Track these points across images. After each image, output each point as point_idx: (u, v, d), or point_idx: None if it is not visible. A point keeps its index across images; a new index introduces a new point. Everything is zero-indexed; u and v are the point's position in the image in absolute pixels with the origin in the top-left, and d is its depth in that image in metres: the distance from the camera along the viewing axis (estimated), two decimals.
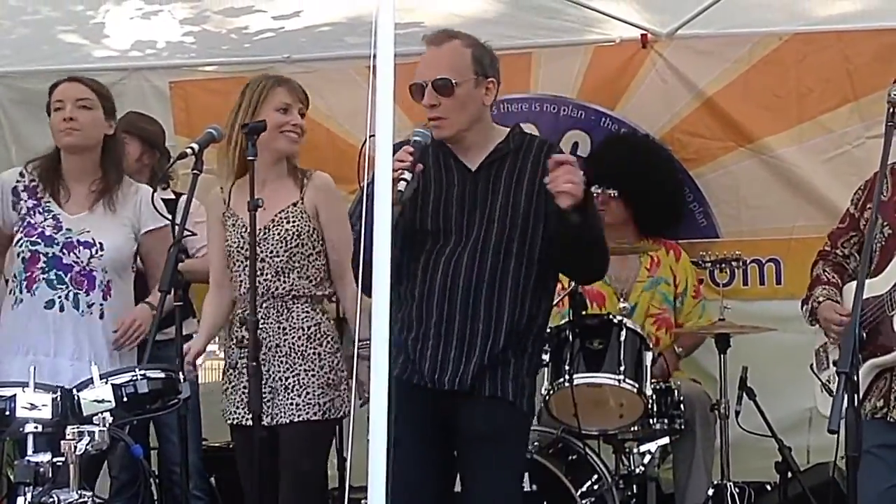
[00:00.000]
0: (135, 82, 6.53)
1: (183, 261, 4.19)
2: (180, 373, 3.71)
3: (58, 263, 4.45)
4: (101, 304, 4.48)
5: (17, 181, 4.60)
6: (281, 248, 4.41)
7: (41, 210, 4.52)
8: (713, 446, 5.38)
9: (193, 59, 6.55)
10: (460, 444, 3.95)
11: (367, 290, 3.62)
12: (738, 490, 5.28)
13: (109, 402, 3.40)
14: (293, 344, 4.40)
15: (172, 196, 5.59)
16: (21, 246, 4.50)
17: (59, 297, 4.44)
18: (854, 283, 3.97)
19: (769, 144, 5.88)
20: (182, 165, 5.92)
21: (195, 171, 4.21)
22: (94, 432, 3.25)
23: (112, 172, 4.57)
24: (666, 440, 5.36)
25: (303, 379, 4.37)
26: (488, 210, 3.92)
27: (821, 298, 4.20)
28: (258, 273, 4.36)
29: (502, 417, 3.89)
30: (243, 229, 4.42)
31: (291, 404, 4.36)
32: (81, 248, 4.46)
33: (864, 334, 3.92)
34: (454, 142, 3.98)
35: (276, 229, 4.42)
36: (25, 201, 4.55)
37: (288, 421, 4.35)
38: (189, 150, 4.20)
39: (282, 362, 4.40)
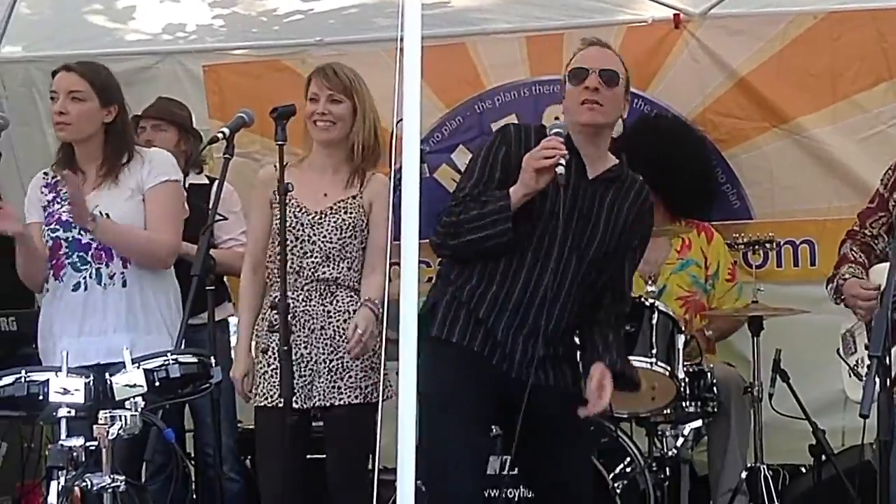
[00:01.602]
0: (168, 66, 6.54)
1: (214, 246, 4.20)
2: (212, 357, 3.70)
3: (78, 245, 4.46)
4: (123, 273, 4.45)
5: (43, 179, 4.62)
6: (335, 235, 4.45)
7: (59, 199, 4.53)
8: (747, 429, 5.36)
9: (224, 42, 6.56)
10: (536, 426, 3.93)
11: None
12: (771, 473, 5.27)
13: (141, 386, 3.40)
14: (338, 327, 4.43)
15: (206, 181, 5.61)
16: (45, 236, 4.52)
17: (85, 277, 4.45)
18: (882, 265, 3.95)
19: (803, 124, 5.82)
20: (216, 150, 6.01)
21: (226, 156, 4.21)
22: (126, 417, 3.26)
23: (116, 157, 4.51)
24: (699, 423, 5.34)
25: (347, 362, 4.39)
26: (592, 223, 4.02)
27: (846, 276, 4.17)
28: (307, 255, 4.44)
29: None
30: (297, 209, 4.46)
31: (334, 388, 4.39)
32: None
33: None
34: (592, 135, 4.04)
35: (334, 217, 4.47)
36: (46, 195, 4.57)
37: (329, 404, 4.37)
38: (220, 135, 4.19)
39: (326, 345, 4.43)
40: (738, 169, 5.96)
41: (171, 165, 4.57)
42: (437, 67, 6.14)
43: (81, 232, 4.44)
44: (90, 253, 4.46)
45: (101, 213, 4.43)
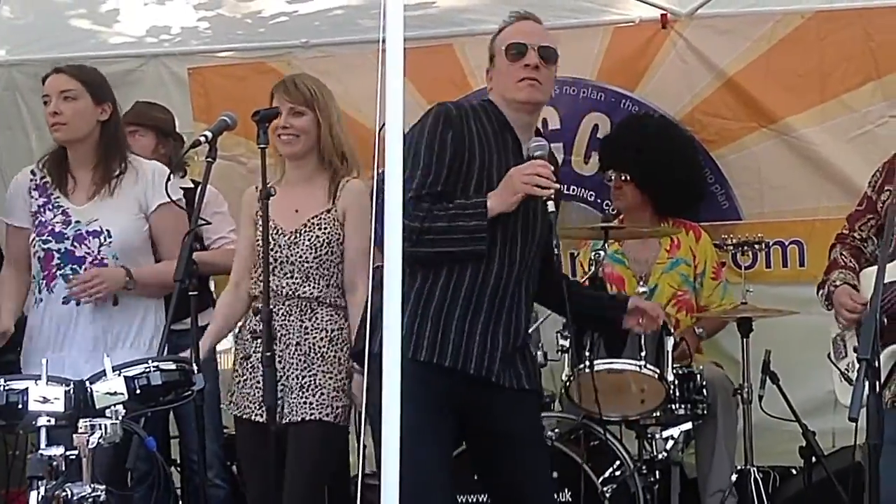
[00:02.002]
0: (153, 69, 6.51)
1: (197, 250, 4.15)
2: (194, 364, 3.66)
3: (71, 258, 4.42)
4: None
5: (30, 180, 4.56)
6: (310, 254, 4.41)
7: (51, 206, 4.48)
8: (736, 431, 5.34)
9: (210, 44, 6.53)
10: (493, 438, 3.92)
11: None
12: (761, 475, 5.24)
13: (122, 394, 3.35)
14: (313, 344, 4.39)
15: (190, 185, 5.56)
16: (35, 246, 4.47)
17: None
18: (872, 269, 3.92)
19: (791, 124, 5.80)
20: (200, 153, 5.97)
21: (209, 160, 4.16)
22: (106, 425, 3.22)
23: (111, 158, 4.48)
24: (689, 425, 5.31)
25: (319, 379, 4.36)
26: (533, 206, 3.86)
27: (837, 282, 4.14)
28: (286, 276, 4.41)
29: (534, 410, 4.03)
30: (274, 230, 4.41)
31: (305, 403, 4.34)
32: (91, 238, 4.42)
33: (885, 320, 3.85)
34: (527, 112, 3.95)
35: (308, 234, 4.43)
36: (36, 199, 4.51)
37: (300, 419, 4.33)
38: (202, 138, 4.13)
39: (300, 360, 4.39)
40: (726, 169, 5.93)
41: (174, 183, 4.49)
42: (424, 69, 6.12)
43: (75, 244, 4.41)
44: (84, 267, 4.42)
45: (101, 227, 4.41)
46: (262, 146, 4.10)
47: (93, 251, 4.41)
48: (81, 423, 3.22)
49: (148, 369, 3.46)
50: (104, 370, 3.40)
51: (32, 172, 4.57)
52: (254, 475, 4.46)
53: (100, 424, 3.21)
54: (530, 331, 4.25)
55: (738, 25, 5.84)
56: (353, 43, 6.18)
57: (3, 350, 5.41)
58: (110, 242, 4.42)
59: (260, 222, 4.40)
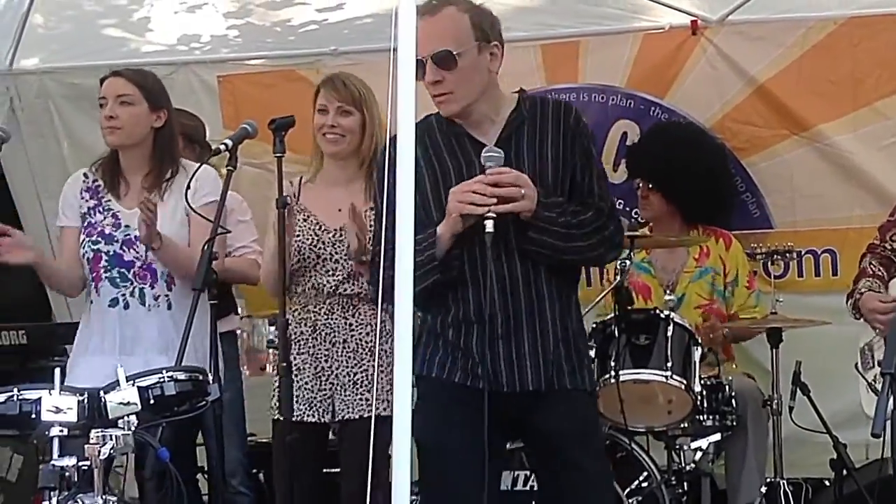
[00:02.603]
0: (183, 77, 6.51)
1: (217, 258, 4.14)
2: (209, 374, 3.64)
3: (119, 261, 4.40)
4: (167, 295, 4.39)
5: (83, 182, 4.55)
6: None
7: (101, 209, 4.47)
8: (766, 443, 5.26)
9: (239, 52, 6.54)
10: (542, 441, 3.82)
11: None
12: (792, 488, 5.17)
13: (135, 404, 3.34)
14: (360, 340, 4.39)
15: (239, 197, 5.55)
16: (85, 247, 4.45)
17: (124, 294, 4.39)
18: None
19: (823, 132, 5.72)
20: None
21: (229, 168, 4.15)
22: (117, 436, 3.21)
23: (164, 165, 4.46)
24: (717, 436, 5.25)
25: (371, 375, 4.33)
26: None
27: (863, 290, 4.08)
28: (328, 273, 4.41)
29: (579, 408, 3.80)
30: (317, 226, 4.44)
31: (361, 399, 4.33)
32: (140, 243, 4.37)
33: None
34: (464, 117, 3.71)
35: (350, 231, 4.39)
36: (87, 201, 4.50)
37: (357, 416, 4.32)
38: (223, 147, 4.11)
39: (349, 358, 4.39)
40: (757, 177, 5.87)
41: (218, 183, 4.40)
42: None
43: (124, 247, 4.40)
44: (132, 271, 4.40)
45: None
46: (277, 155, 4.08)
47: (142, 256, 4.39)
48: (93, 433, 3.21)
49: (162, 379, 3.45)
50: (118, 380, 3.39)
51: (85, 175, 4.55)
52: (280, 477, 4.42)
53: (112, 435, 3.21)
54: None
55: (769, 32, 5.77)
56: (381, 51, 6.05)
57: (28, 357, 5.52)
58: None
59: (299, 216, 4.44)
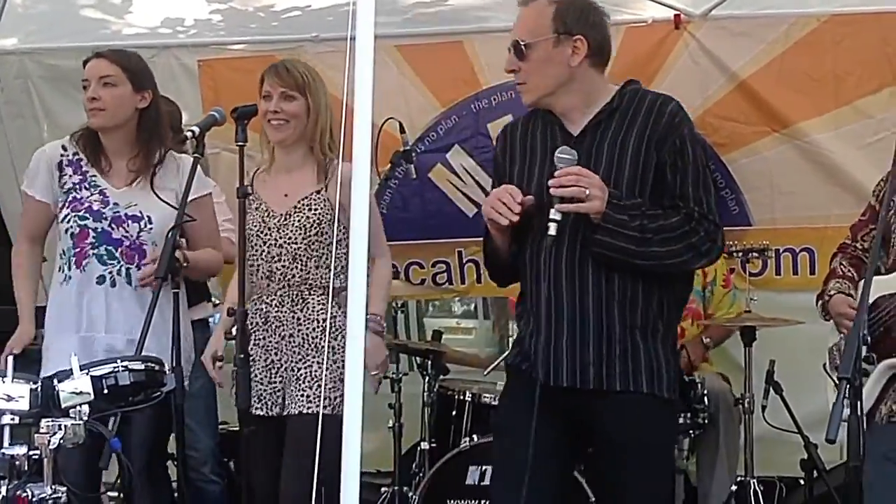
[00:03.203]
0: (164, 60, 6.43)
1: (181, 246, 4.10)
2: (165, 365, 3.60)
3: (107, 238, 4.36)
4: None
5: (61, 155, 4.48)
6: (299, 235, 4.35)
7: (87, 185, 4.42)
8: (737, 442, 5.26)
9: (222, 37, 6.48)
10: (597, 444, 3.77)
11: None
12: (762, 487, 5.16)
13: (88, 393, 3.29)
14: (307, 335, 4.33)
15: (213, 183, 5.50)
16: (69, 222, 4.39)
17: (111, 272, 4.35)
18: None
19: (804, 130, 5.68)
20: (210, 146, 5.93)
21: (196, 155, 4.12)
22: (68, 426, 3.17)
23: (150, 146, 4.42)
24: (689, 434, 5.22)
25: (315, 371, 4.29)
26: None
27: (832, 292, 4.03)
28: (275, 259, 4.36)
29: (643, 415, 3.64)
30: (265, 213, 4.40)
31: (302, 395, 4.28)
32: (130, 222, 4.36)
33: (878, 332, 3.74)
34: (548, 108, 3.72)
35: (297, 216, 4.37)
36: (70, 176, 4.44)
37: (298, 412, 4.28)
38: (189, 134, 4.09)
39: (295, 352, 4.34)
40: (737, 174, 5.82)
41: (204, 177, 4.46)
42: (434, 66, 6.09)
43: (112, 225, 4.36)
44: (119, 250, 4.36)
45: (141, 213, 4.36)
46: (239, 143, 4.05)
47: (131, 235, 4.35)
48: (43, 422, 3.17)
49: (116, 369, 3.38)
50: (71, 368, 3.35)
51: (64, 147, 4.49)
52: (256, 468, 4.39)
53: (62, 424, 3.17)
54: None
55: (752, 27, 5.72)
56: None
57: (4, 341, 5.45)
58: (150, 229, 4.35)
59: (252, 205, 4.38)
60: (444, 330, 10.63)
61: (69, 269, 4.40)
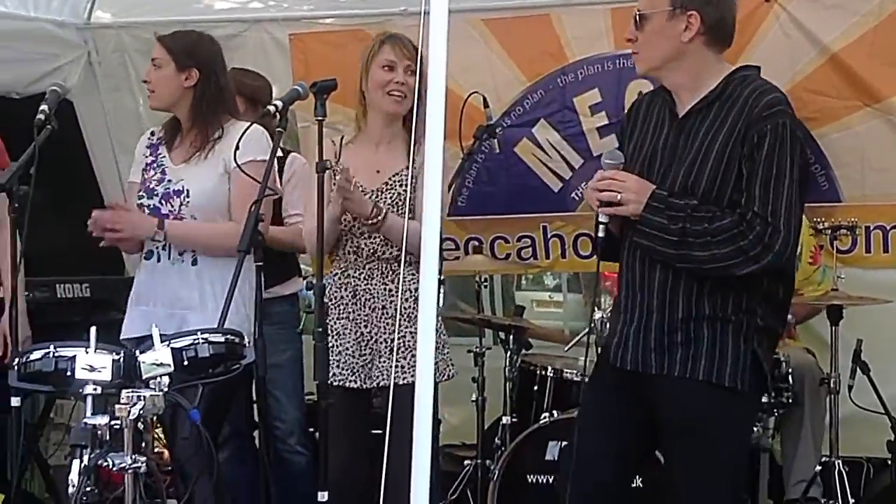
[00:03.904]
0: (255, 34, 6.51)
1: (263, 220, 4.15)
2: (245, 337, 3.66)
3: (157, 214, 4.46)
4: (193, 252, 4.43)
5: (149, 139, 4.65)
6: (392, 212, 4.36)
7: (155, 165, 4.55)
8: (823, 421, 5.19)
9: (313, 11, 6.53)
10: (662, 431, 3.77)
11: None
12: (847, 468, 5.09)
13: (168, 365, 3.38)
14: (399, 306, 4.35)
15: (280, 154, 5.56)
16: (137, 202, 4.55)
17: (157, 247, 4.46)
18: None
19: None
20: (301, 120, 5.98)
21: (279, 129, 4.15)
22: (147, 396, 3.24)
23: (205, 123, 4.49)
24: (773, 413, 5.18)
25: (408, 341, 4.32)
26: (677, 166, 3.62)
27: None
28: (363, 236, 4.41)
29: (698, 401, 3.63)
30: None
31: (397, 366, 4.31)
32: (174, 196, 4.45)
33: None
34: (660, 80, 3.78)
35: (389, 193, 4.40)
36: (147, 157, 4.59)
37: (394, 383, 4.31)
38: (272, 108, 4.12)
39: (387, 324, 4.37)
40: (827, 149, 5.67)
41: (263, 143, 4.41)
42: (521, 39, 6.04)
43: (162, 201, 4.46)
44: None
45: (183, 187, 4.44)
46: (319, 118, 4.07)
47: (175, 209, 4.44)
48: (124, 393, 3.26)
49: (196, 341, 3.49)
50: (152, 340, 3.43)
51: (152, 133, 4.66)
52: (338, 441, 4.44)
53: (142, 395, 3.25)
54: None
55: (844, 0, 5.58)
56: (451, 12, 6.08)
57: (93, 310, 5.59)
58: (188, 202, 4.43)
59: (333, 182, 4.39)
60: (536, 303, 10.67)
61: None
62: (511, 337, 5.72)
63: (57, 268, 5.77)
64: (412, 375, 4.24)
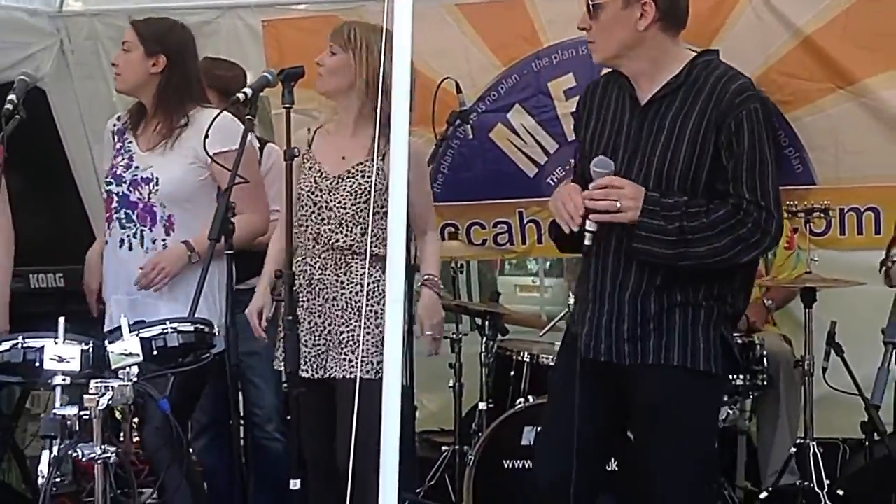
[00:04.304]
0: (229, 21, 6.48)
1: (234, 206, 4.12)
2: (214, 327, 3.66)
3: (126, 202, 4.45)
4: (164, 240, 4.42)
5: (114, 125, 4.64)
6: (349, 200, 4.34)
7: (122, 150, 4.53)
8: (798, 403, 5.21)
9: None
10: (635, 416, 3.79)
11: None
12: (822, 450, 5.11)
13: (137, 355, 3.37)
14: (350, 299, 4.34)
15: (257, 144, 5.53)
16: (104, 188, 4.54)
17: (128, 235, 4.45)
18: None
19: (870, 86, 5.50)
20: (275, 107, 5.96)
21: (249, 117, 4.14)
22: (116, 386, 3.24)
23: (170, 110, 4.47)
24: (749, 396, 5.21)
25: (357, 336, 4.29)
26: (647, 155, 3.60)
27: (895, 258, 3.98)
28: (323, 222, 4.35)
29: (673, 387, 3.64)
30: (318, 174, 4.40)
31: (345, 360, 4.31)
32: (143, 184, 4.43)
33: None
34: (618, 69, 3.73)
35: (350, 181, 4.37)
36: (114, 143, 4.58)
37: (341, 376, 4.31)
38: (241, 96, 4.10)
39: (338, 316, 4.35)
40: (801, 132, 5.66)
41: (230, 132, 4.32)
42: (495, 24, 6.01)
43: (130, 188, 4.44)
44: (136, 212, 4.45)
45: (152, 175, 4.42)
46: (286, 105, 4.06)
47: (143, 197, 4.43)
48: (92, 384, 3.25)
49: (165, 330, 3.49)
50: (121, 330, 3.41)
51: (118, 118, 4.65)
52: (307, 428, 4.44)
53: (110, 385, 3.24)
54: None
55: None
56: None
57: (66, 301, 5.55)
58: (157, 190, 4.42)
59: (306, 164, 4.40)
60: (520, 288, 10.69)
61: (107, 233, 4.54)
62: (487, 323, 5.72)
63: (30, 257, 5.73)
64: (360, 371, 4.18)
